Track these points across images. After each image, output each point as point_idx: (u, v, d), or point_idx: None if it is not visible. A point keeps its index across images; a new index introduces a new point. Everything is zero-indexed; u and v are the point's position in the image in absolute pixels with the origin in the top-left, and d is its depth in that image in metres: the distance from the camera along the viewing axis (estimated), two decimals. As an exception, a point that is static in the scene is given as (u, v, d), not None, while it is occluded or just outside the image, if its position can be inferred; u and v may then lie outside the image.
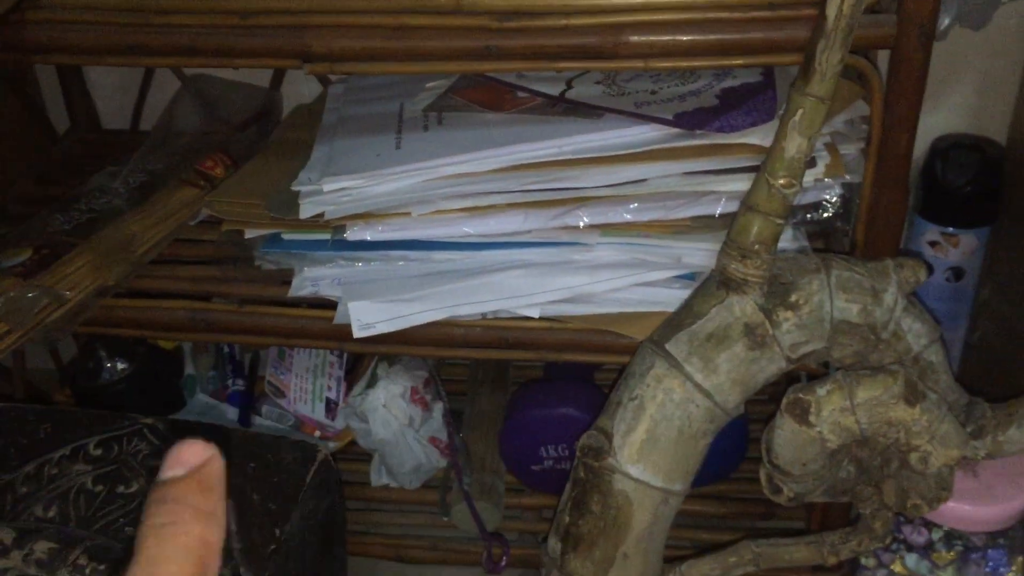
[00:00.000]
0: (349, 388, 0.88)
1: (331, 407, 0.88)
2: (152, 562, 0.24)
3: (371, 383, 0.85)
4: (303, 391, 0.88)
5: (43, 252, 0.71)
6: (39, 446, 0.63)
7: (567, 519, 0.61)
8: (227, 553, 0.57)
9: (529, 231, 0.68)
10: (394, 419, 0.83)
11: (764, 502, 0.83)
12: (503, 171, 0.67)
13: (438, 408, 0.87)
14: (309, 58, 0.61)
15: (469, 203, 0.68)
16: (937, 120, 0.86)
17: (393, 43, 0.60)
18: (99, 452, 0.62)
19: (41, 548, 0.51)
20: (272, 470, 0.62)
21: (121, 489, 0.60)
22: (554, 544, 0.62)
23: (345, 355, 0.89)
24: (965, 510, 0.65)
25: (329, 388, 0.89)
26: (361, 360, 0.90)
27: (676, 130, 0.65)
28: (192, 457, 0.26)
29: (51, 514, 0.58)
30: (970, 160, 0.83)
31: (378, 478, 0.88)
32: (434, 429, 0.86)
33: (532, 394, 0.83)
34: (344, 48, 0.60)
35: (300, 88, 0.91)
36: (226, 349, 0.93)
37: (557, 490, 0.65)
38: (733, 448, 0.82)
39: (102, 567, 0.52)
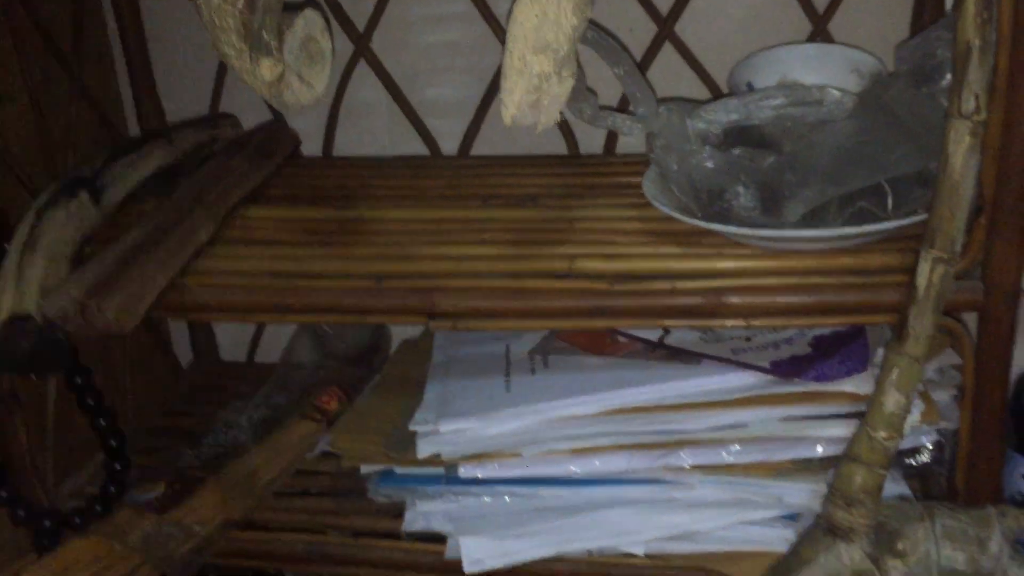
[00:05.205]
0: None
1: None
2: None
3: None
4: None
5: (175, 487, 0.77)
6: None
7: None
8: None
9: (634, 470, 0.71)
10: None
11: None
12: (609, 414, 0.71)
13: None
14: (434, 315, 0.66)
15: (577, 444, 0.71)
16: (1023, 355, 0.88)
17: (511, 303, 0.65)
18: None
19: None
20: None
21: None
22: None
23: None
24: None
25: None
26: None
27: (772, 377, 0.70)
28: None
29: None
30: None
31: None
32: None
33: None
34: (467, 308, 0.65)
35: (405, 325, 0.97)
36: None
37: None
38: None
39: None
